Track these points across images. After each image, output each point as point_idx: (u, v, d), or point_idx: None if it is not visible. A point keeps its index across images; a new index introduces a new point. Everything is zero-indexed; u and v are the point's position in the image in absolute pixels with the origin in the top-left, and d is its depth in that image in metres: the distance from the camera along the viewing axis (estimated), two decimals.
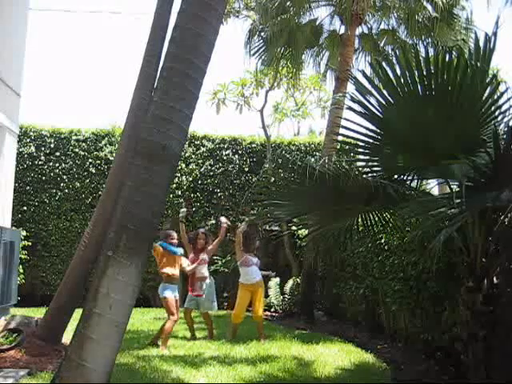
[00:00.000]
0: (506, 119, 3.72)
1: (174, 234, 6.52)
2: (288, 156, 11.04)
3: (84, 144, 10.90)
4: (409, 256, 5.45)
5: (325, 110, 13.69)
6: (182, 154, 10.29)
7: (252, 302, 7.02)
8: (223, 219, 7.17)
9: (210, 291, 6.90)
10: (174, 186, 10.76)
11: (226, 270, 10.21)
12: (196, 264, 6.79)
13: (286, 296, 9.70)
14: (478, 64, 3.58)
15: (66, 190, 10.65)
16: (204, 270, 6.90)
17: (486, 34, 3.57)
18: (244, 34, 9.92)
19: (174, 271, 6.36)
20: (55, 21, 41.28)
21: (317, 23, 9.97)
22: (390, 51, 9.66)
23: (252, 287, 6.87)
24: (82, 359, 3.02)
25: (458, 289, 4.05)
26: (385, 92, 3.82)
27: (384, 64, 3.81)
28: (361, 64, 10.14)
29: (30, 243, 9.75)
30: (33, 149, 10.66)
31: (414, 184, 4.38)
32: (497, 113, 3.69)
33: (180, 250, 6.56)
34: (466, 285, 3.89)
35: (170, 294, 6.23)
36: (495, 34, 3.52)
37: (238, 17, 11.41)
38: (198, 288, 6.79)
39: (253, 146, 11.42)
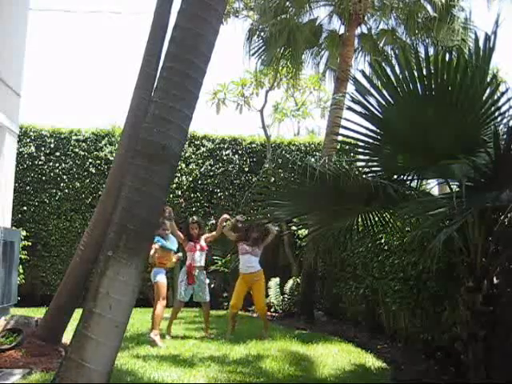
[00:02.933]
0: (505, 120, 3.72)
1: (166, 224, 6.62)
2: (288, 156, 11.04)
3: (84, 144, 10.90)
4: (409, 256, 5.45)
5: (325, 110, 13.69)
6: (182, 154, 10.27)
7: (252, 296, 7.02)
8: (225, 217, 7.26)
9: (204, 282, 6.97)
10: (174, 185, 10.75)
11: (226, 270, 10.21)
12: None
13: (286, 296, 9.69)
14: (478, 64, 3.58)
15: (66, 190, 10.65)
16: (201, 259, 6.95)
17: (486, 34, 3.57)
18: (244, 34, 9.93)
19: (166, 261, 6.65)
20: (55, 21, 41.31)
21: (316, 23, 9.96)
22: (389, 51, 9.66)
23: (246, 277, 6.85)
24: (82, 359, 3.01)
25: (457, 289, 4.05)
26: (384, 92, 3.82)
27: (384, 64, 3.81)
28: (360, 64, 10.14)
29: (30, 243, 9.74)
30: (33, 149, 10.65)
31: (414, 184, 4.38)
32: (497, 113, 3.69)
33: (175, 245, 6.79)
34: (465, 285, 3.89)
35: (163, 279, 6.51)
36: (495, 33, 3.51)
37: (237, 17, 11.39)
38: (194, 276, 6.85)
39: (253, 146, 11.41)
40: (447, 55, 3.48)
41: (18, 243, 7.91)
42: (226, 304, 9.93)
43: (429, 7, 9.01)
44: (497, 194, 3.29)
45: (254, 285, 6.88)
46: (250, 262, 6.85)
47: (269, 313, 9.34)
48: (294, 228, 8.73)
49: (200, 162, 11.17)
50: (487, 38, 3.54)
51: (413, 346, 5.80)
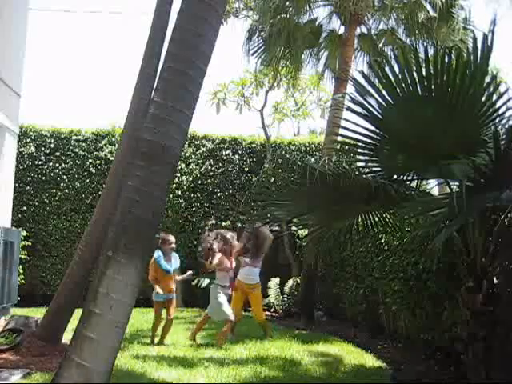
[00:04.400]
0: (503, 121, 3.72)
1: (172, 239, 6.46)
2: (288, 156, 11.03)
3: (84, 144, 10.90)
4: (409, 256, 5.45)
5: (325, 110, 13.69)
6: (182, 154, 10.28)
7: (251, 306, 7.05)
8: None
9: None
10: (174, 185, 10.75)
11: None
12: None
13: (286, 296, 9.69)
14: (477, 64, 3.58)
15: (66, 190, 10.64)
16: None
17: (484, 34, 3.56)
18: (244, 34, 9.93)
19: (163, 288, 6.29)
20: (55, 21, 41.31)
21: (316, 23, 9.96)
22: (389, 51, 9.66)
23: (243, 286, 6.85)
24: (82, 359, 3.02)
25: (458, 289, 4.05)
26: (384, 92, 3.81)
27: (383, 64, 3.81)
28: (360, 64, 10.14)
29: (30, 243, 9.75)
30: (33, 149, 10.65)
31: (413, 184, 4.38)
32: (496, 114, 3.69)
33: (175, 266, 6.46)
34: (466, 285, 3.89)
35: (160, 299, 6.33)
36: (493, 32, 3.50)
37: (237, 17, 11.40)
38: None
39: (253, 146, 11.41)
40: (446, 55, 3.47)
41: (18, 243, 7.91)
42: None
43: (429, 7, 9.00)
44: (497, 194, 3.29)
45: (251, 295, 6.90)
46: (249, 273, 6.86)
47: (268, 313, 9.35)
48: (294, 228, 8.72)
49: (200, 162, 11.17)
50: (485, 37, 3.54)
51: (413, 345, 5.80)
